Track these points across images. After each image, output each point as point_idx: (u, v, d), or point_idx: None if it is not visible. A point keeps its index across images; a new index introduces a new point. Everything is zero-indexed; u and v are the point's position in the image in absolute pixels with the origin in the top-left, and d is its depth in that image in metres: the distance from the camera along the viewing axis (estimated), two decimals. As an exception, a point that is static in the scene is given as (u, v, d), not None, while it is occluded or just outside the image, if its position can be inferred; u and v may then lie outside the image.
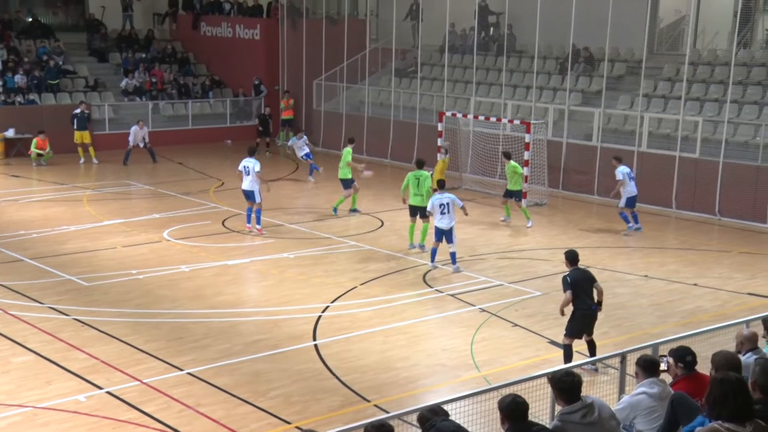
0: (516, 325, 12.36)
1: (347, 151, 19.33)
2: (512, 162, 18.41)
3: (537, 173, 21.16)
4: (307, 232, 17.68)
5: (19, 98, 26.59)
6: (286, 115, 29.36)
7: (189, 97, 30.05)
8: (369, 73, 28.36)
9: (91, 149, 25.52)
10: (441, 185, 15.08)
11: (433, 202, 14.80)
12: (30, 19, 31.10)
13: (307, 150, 23.24)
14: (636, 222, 17.82)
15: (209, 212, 19.41)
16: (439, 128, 22.50)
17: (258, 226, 17.29)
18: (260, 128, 27.67)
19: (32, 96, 26.97)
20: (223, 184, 23.08)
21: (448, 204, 14.74)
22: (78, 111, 25.54)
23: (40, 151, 24.68)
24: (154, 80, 29.60)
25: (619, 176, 17.47)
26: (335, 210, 19.25)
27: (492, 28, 25.61)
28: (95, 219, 18.45)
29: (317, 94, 29.22)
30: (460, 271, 14.81)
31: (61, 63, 28.62)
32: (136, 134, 25.41)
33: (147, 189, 21.91)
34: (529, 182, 20.62)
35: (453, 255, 14.97)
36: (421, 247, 16.20)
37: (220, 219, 18.72)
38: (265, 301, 13.39)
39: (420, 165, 16.47)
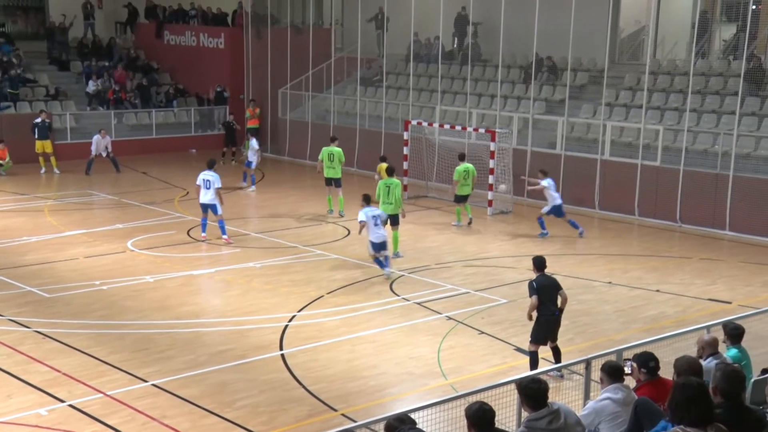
0: (482, 332, 12.39)
1: (339, 151, 19.85)
2: (465, 164, 19.10)
3: (502, 181, 21.32)
4: (273, 241, 17.63)
5: None
6: (251, 123, 29.12)
7: (152, 104, 29.91)
8: (334, 81, 28.40)
9: (52, 159, 25.21)
10: (367, 200, 15.41)
11: (366, 214, 15.16)
12: None
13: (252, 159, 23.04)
14: (543, 229, 18.43)
15: (174, 222, 19.26)
16: (405, 137, 22.58)
17: (224, 236, 17.32)
18: (226, 136, 27.50)
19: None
20: (187, 193, 22.90)
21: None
22: (39, 120, 25.27)
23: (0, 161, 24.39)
24: (116, 88, 29.37)
25: (544, 184, 18.27)
26: (341, 212, 19.77)
27: (469, 38, 25.58)
28: (57, 230, 18.28)
29: (282, 103, 29.18)
30: (390, 274, 15.00)
31: (20, 71, 28.26)
32: (99, 143, 25.19)
33: (110, 199, 21.74)
34: (494, 190, 20.80)
35: (386, 259, 15.15)
36: (396, 255, 16.25)
37: (185, 229, 18.58)
38: (231, 311, 13.31)
39: (390, 173, 16.55)
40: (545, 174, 18.38)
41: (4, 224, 18.90)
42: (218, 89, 30.38)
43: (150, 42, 32.61)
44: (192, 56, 31.37)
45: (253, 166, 23.12)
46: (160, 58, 32.32)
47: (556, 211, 18.28)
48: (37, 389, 10.20)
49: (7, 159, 24.42)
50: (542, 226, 18.35)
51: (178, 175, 25.40)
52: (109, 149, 25.36)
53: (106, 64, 30.58)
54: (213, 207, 17.23)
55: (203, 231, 17.52)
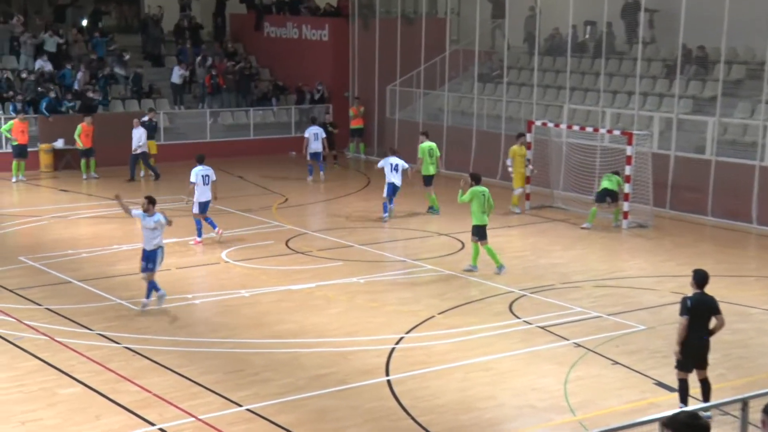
0: (616, 363, 12.15)
1: (434, 146, 21.26)
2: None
3: (640, 191, 20.73)
4: (379, 254, 17.82)
5: (72, 103, 27.12)
6: (355, 124, 29.58)
7: (249, 102, 30.48)
8: (449, 77, 28.42)
9: (152, 160, 26.01)
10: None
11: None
12: (85, 23, 32.23)
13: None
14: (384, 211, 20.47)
15: (271, 231, 19.62)
16: (528, 139, 22.35)
17: (199, 238, 18.17)
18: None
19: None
20: (286, 200, 23.35)
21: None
22: (146, 119, 25.73)
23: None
24: (214, 72, 29.83)
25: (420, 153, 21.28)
26: (435, 210, 20.93)
27: (641, 28, 23.89)
28: (203, 245, 18.63)
29: (391, 101, 29.41)
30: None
31: (115, 68, 29.38)
32: (141, 137, 24.89)
33: None
34: (630, 201, 20.34)
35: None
36: (500, 268, 16.27)
37: (283, 239, 18.88)
38: (333, 330, 13.44)
39: (478, 180, 16.49)
40: (426, 136, 21.38)
41: (93, 231, 19.73)
42: (318, 88, 30.88)
43: (249, 34, 33.40)
44: (293, 50, 31.98)
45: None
46: (259, 52, 33.10)
47: (390, 191, 20.50)
48: (126, 410, 10.48)
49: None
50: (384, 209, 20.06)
51: (276, 180, 25.92)
52: (142, 142, 24.86)
53: (202, 47, 31.28)
54: (208, 204, 18.23)
55: (215, 227, 18.22)
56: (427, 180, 21.21)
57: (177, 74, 29.40)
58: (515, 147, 21.81)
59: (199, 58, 30.26)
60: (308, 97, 30.69)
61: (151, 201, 14.20)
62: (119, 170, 25.65)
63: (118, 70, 29.34)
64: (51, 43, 28.91)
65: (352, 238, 19.17)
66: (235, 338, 12.98)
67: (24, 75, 27.55)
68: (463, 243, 18.74)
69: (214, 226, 18.35)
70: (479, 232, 16.30)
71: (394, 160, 20.72)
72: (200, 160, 18.60)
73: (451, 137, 27.38)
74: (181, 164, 26.27)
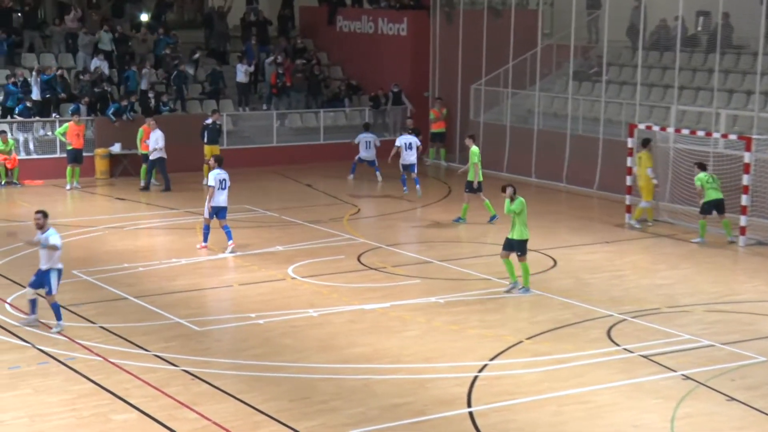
0: (732, 398, 11.88)
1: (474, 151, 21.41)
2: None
3: (760, 203, 20.35)
4: (460, 272, 17.71)
5: (139, 108, 27.50)
6: (436, 127, 29.59)
7: (319, 98, 30.66)
8: (540, 75, 28.24)
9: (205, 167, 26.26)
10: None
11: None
12: (145, 17, 32.89)
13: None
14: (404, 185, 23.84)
15: (343, 245, 19.70)
16: (629, 144, 22.02)
17: (231, 241, 18.81)
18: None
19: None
20: (359, 210, 23.45)
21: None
22: (209, 122, 25.97)
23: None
24: (281, 71, 30.14)
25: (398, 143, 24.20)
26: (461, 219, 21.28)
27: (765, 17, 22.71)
28: (209, 251, 19.07)
29: (475, 102, 29.29)
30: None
31: (179, 66, 29.64)
32: (158, 140, 24.82)
33: (269, 216, 22.50)
34: (749, 214, 19.89)
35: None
36: (525, 290, 16.18)
37: (356, 253, 18.90)
38: (409, 356, 13.39)
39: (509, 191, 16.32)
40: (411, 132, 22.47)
41: (151, 244, 20.11)
42: (394, 89, 30.95)
43: (320, 29, 33.74)
44: (368, 46, 32.15)
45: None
46: (331, 48, 33.40)
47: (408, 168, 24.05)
48: (184, 439, 10.74)
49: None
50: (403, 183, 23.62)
51: (347, 188, 26.04)
52: (159, 145, 24.81)
53: (270, 47, 31.56)
54: (224, 210, 18.79)
55: (205, 240, 18.88)
56: (474, 187, 21.38)
57: (241, 72, 29.82)
58: (643, 153, 21.28)
59: (269, 58, 30.56)
60: (383, 100, 31.04)
61: (45, 215, 14.04)
62: (186, 176, 25.93)
63: (189, 69, 29.73)
64: (106, 41, 29.45)
65: (431, 253, 19.10)
66: (301, 362, 13.03)
67: (82, 76, 28.08)
68: (554, 260, 18.56)
69: (229, 238, 18.81)
70: (524, 247, 16.08)
71: (407, 138, 24.25)
72: (219, 162, 19.12)
73: (541, 142, 27.17)
74: (245, 171, 26.73)
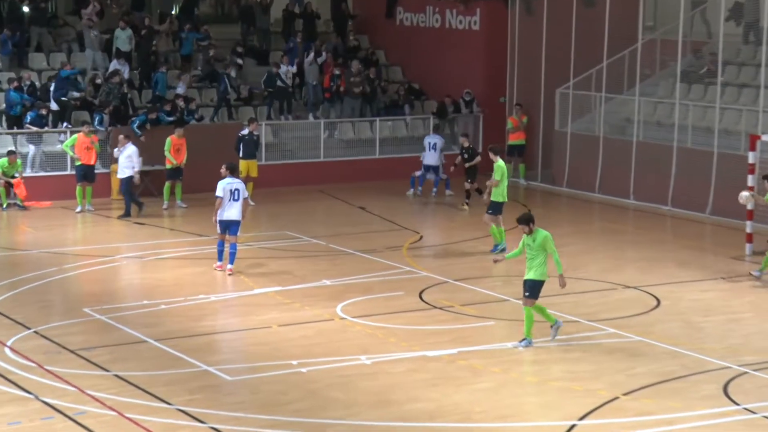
0: None
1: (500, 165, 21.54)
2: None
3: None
4: None
5: (171, 117, 27.46)
6: (514, 138, 29.69)
7: (374, 105, 30.83)
8: (640, 77, 28.15)
9: (250, 185, 25.60)
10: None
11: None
12: (175, 11, 33.84)
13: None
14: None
15: (402, 278, 19.67)
16: (751, 159, 21.81)
17: (230, 266, 19.67)
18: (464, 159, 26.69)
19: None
20: (421, 238, 23.44)
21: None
22: (245, 132, 26.44)
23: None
24: (337, 72, 30.39)
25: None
26: (501, 243, 21.28)
27: None
28: (243, 286, 19.10)
29: (562, 109, 29.35)
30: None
31: (215, 66, 30.19)
32: (132, 158, 24.77)
33: (315, 244, 22.58)
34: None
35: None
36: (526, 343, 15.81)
37: (417, 289, 18.88)
38: (480, 413, 13.24)
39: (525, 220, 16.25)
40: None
41: (175, 276, 20.14)
42: (466, 98, 31.08)
43: (376, 23, 34.09)
44: (434, 42, 32.30)
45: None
46: (390, 46, 33.68)
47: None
48: None
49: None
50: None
51: (407, 211, 26.12)
52: (132, 163, 24.74)
53: (317, 43, 31.74)
54: (236, 225, 19.56)
55: (220, 259, 19.82)
56: (498, 208, 21.48)
57: (284, 74, 30.05)
58: None
59: (308, 57, 30.79)
60: (451, 109, 31.17)
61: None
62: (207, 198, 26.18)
63: (231, 71, 29.93)
64: (123, 39, 29.55)
65: (506, 289, 18.97)
66: (351, 419, 12.92)
67: (99, 80, 28.39)
68: (658, 299, 18.39)
69: (231, 260, 19.66)
70: (537, 290, 15.90)
71: (431, 138, 27.60)
72: (232, 170, 19.83)
73: (642, 157, 27.01)
74: (286, 190, 26.85)
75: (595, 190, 27.66)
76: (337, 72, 30.43)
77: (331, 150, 29.88)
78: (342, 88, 30.45)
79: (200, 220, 24.69)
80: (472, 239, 23.25)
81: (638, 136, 27.27)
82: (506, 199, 21.58)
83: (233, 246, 19.60)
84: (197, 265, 20.83)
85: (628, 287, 19.20)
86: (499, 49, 30.73)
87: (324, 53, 31.00)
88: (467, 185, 26.10)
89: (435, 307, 17.85)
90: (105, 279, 19.93)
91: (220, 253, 19.82)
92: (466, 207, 25.91)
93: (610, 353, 15.60)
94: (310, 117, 30.52)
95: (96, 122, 26.85)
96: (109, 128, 27.01)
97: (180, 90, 28.81)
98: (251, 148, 26.39)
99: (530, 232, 15.84)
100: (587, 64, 28.81)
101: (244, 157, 26.18)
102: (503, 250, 20.93)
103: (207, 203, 25.63)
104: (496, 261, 18.39)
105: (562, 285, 16.01)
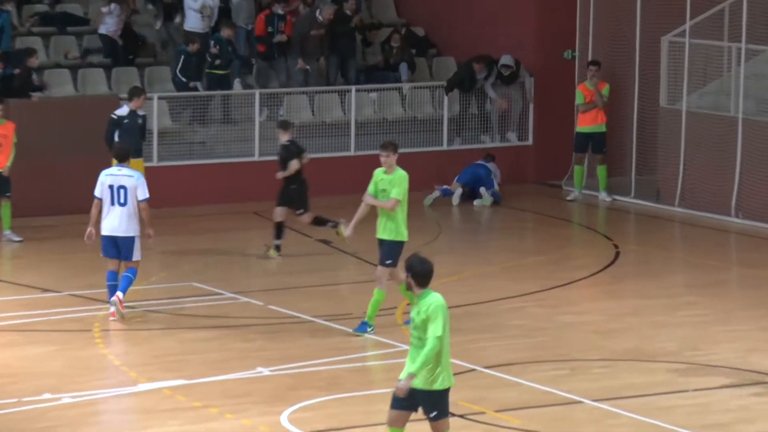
0: None
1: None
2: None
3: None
4: (641, 420, 17.87)
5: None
6: (586, 122, 30.18)
7: (350, 65, 31.25)
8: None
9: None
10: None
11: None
12: None
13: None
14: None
15: (390, 364, 19.44)
16: None
17: (119, 293, 20.67)
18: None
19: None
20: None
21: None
22: (123, 112, 26.90)
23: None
24: (280, 11, 31.09)
25: None
26: None
27: None
28: (121, 378, 19.29)
29: (671, 72, 29.49)
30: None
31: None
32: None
33: (245, 304, 23.00)
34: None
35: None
36: None
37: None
38: None
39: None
40: None
41: (3, 362, 19.75)
42: (505, 62, 31.22)
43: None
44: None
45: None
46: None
47: None
48: None
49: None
50: None
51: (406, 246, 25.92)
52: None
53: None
54: (128, 245, 20.67)
55: (111, 293, 20.81)
56: (397, 252, 21.33)
57: (193, 12, 30.63)
58: None
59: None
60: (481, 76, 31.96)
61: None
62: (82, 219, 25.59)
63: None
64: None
65: (573, 383, 19.13)
66: None
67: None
68: None
69: (122, 287, 20.69)
70: None
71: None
72: (122, 156, 21.22)
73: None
74: (193, 211, 26.42)
75: (730, 212, 27.77)
76: (279, 11, 30.94)
77: (272, 141, 29.50)
78: (286, 37, 30.74)
79: (43, 262, 24.94)
80: (513, 296, 23.89)
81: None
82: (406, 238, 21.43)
83: (130, 272, 20.52)
84: (45, 343, 20.82)
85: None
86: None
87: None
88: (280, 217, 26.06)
89: (455, 415, 17.47)
90: None
91: (111, 288, 20.49)
92: (274, 253, 25.93)
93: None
94: (236, 85, 31.21)
95: None
96: None
97: None
98: (134, 137, 26.31)
99: (418, 297, 15.26)
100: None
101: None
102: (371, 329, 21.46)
103: (55, 234, 25.54)
104: None
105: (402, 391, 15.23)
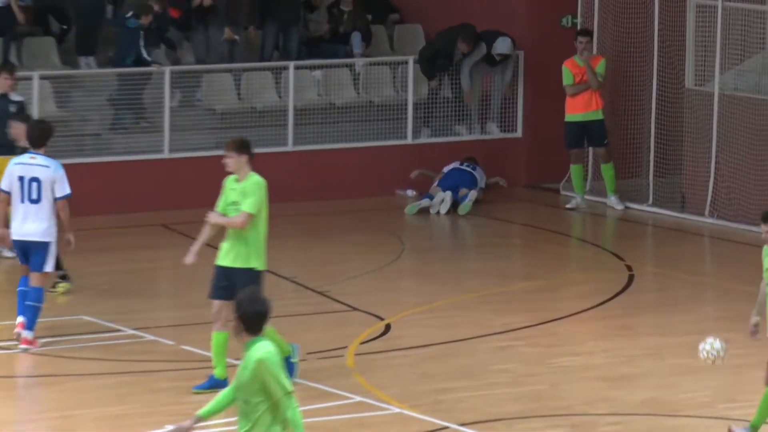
0: None
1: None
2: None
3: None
4: None
5: None
6: (576, 108, 30.36)
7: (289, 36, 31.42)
8: None
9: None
10: None
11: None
12: None
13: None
14: None
15: (344, 420, 19.38)
16: None
17: (26, 333, 21.30)
18: None
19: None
20: (388, 329, 23.32)
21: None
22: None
23: None
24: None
25: None
26: None
27: None
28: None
29: (699, 44, 29.50)
30: None
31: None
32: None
33: (153, 343, 23.07)
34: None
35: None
36: None
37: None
38: None
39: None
40: None
41: None
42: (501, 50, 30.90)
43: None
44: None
45: None
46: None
47: None
48: None
49: None
50: None
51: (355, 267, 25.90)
52: None
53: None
54: (40, 252, 21.04)
55: (20, 312, 21.36)
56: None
57: None
58: None
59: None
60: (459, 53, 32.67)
61: None
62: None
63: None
64: None
65: None
66: None
67: None
68: None
69: (29, 314, 21.19)
70: None
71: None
72: (36, 141, 21.46)
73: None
74: (88, 222, 27.46)
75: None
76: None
77: (192, 136, 29.69)
78: (208, 2, 30.86)
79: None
80: (525, 326, 24.54)
81: None
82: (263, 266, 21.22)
83: (34, 292, 20.74)
84: None
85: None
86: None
87: None
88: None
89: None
90: None
91: (22, 304, 21.15)
92: (64, 286, 26.28)
93: None
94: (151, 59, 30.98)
95: None
96: None
97: None
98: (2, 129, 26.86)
99: (245, 345, 15.05)
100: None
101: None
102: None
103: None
104: None
105: None
